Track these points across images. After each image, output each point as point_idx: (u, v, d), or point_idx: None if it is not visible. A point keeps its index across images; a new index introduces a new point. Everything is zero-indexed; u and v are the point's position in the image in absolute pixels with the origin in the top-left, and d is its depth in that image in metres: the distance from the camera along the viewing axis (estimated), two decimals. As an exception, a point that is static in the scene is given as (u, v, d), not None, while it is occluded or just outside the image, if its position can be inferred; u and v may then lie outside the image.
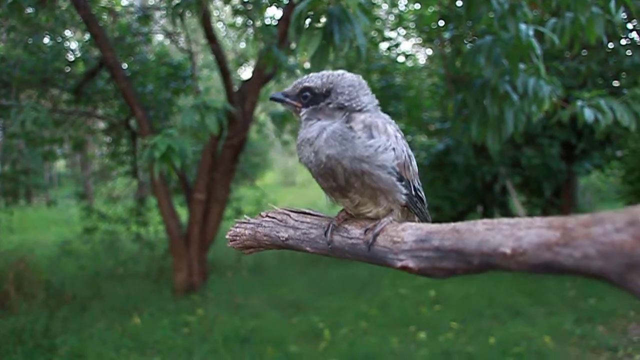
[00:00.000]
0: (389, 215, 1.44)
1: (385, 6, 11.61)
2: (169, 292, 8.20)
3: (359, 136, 1.40)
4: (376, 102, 1.58)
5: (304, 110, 1.52)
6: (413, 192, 1.51)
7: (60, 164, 23.09)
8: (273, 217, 1.61)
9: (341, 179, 1.41)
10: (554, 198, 11.19)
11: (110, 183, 11.92)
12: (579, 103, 4.40)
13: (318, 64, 2.89)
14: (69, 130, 10.38)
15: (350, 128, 1.41)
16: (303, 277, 9.10)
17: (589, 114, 4.22)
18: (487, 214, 12.57)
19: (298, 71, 5.68)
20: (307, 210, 1.61)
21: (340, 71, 1.56)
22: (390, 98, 10.83)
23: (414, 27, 11.76)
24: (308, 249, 1.53)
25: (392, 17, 12.02)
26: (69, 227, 13.74)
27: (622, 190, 16.57)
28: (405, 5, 11.45)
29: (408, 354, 5.77)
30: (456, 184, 11.24)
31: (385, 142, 1.42)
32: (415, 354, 5.76)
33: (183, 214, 9.00)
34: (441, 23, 6.74)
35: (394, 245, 1.31)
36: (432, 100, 11.74)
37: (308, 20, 2.87)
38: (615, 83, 8.87)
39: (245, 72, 16.11)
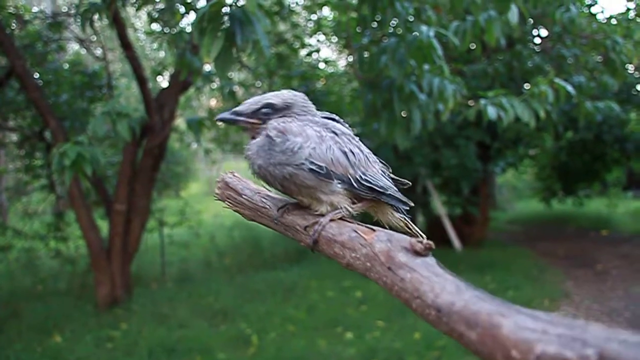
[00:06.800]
0: (330, 213, 1.44)
1: (304, 13, 11.73)
2: (91, 308, 7.91)
3: (276, 142, 1.42)
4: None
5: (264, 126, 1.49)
6: (355, 185, 1.47)
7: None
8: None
9: (276, 184, 1.45)
10: (472, 196, 11.63)
11: (26, 198, 11.37)
12: (483, 101, 4.65)
13: (222, 65, 2.92)
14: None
15: (269, 136, 1.44)
16: (229, 284, 9.02)
17: (492, 112, 4.47)
18: (410, 214, 12.89)
19: (216, 78, 5.63)
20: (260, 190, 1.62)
21: (292, 91, 1.59)
22: (312, 103, 10.90)
23: (332, 33, 11.93)
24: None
25: (310, 24, 12.14)
26: (-19, 247, 13.01)
27: (536, 186, 17.52)
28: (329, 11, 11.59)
29: (336, 354, 5.85)
30: (378, 185, 11.44)
31: (301, 142, 1.42)
32: (342, 354, 5.84)
33: (105, 226, 8.73)
34: (358, 29, 6.90)
35: (337, 258, 1.35)
36: (353, 105, 11.93)
37: (211, 23, 2.90)
38: (527, 85, 9.31)
39: (165, 81, 15.86)
